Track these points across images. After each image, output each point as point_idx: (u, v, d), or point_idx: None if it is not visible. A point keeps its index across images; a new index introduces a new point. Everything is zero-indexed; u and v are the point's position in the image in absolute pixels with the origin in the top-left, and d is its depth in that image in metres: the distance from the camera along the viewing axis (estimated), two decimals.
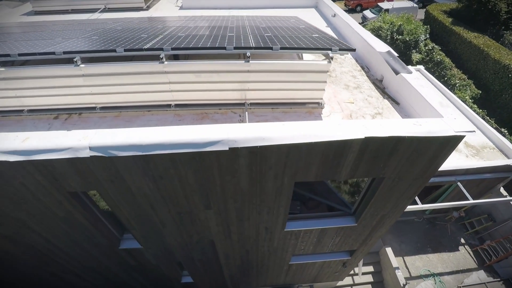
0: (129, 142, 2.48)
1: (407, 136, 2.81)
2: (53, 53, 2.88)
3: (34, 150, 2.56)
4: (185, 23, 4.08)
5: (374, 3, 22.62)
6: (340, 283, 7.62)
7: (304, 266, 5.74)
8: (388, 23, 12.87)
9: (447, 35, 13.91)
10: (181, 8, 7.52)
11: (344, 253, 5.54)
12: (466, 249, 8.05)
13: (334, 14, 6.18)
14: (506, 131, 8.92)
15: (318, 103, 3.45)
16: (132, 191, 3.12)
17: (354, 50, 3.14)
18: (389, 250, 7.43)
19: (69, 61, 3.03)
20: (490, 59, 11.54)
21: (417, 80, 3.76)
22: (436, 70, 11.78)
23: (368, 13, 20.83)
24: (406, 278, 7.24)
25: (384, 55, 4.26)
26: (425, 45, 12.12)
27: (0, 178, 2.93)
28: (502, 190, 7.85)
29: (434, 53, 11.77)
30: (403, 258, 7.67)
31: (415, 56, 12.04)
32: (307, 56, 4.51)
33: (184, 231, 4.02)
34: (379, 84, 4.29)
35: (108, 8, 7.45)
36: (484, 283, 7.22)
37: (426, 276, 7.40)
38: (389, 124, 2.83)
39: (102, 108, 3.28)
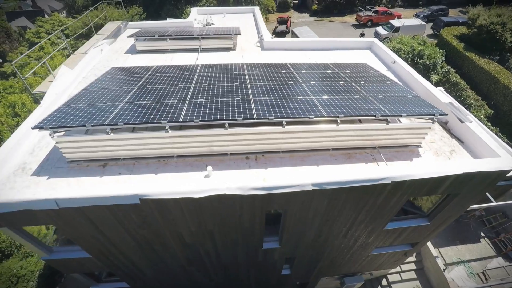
0: (335, 180, 4.16)
1: (483, 171, 4.60)
2: (267, 118, 4.52)
3: (273, 187, 4.15)
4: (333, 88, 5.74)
5: (385, 19, 24.69)
6: (391, 270, 9.51)
7: (377, 256, 7.54)
8: (407, 46, 14.85)
9: (461, 59, 16.09)
10: (263, 49, 9.13)
11: (408, 245, 7.38)
12: (486, 240, 10.09)
13: (394, 61, 7.95)
14: None
15: (418, 145, 5.23)
16: (309, 209, 4.78)
17: (446, 115, 4.93)
18: (428, 243, 9.36)
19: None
20: (500, 84, 13.70)
21: (478, 127, 5.56)
22: (452, 90, 13.86)
23: (380, 29, 22.87)
24: (443, 264, 9.19)
25: (449, 106, 6.05)
26: (442, 67, 14.17)
27: (234, 203, 4.42)
28: None
29: (450, 75, 13.82)
30: (439, 249, 9.63)
31: (434, 77, 14.09)
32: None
33: (318, 233, 5.71)
34: (445, 126, 6.08)
35: (202, 49, 8.97)
36: (503, 266, 9.26)
37: (458, 263, 9.39)
38: (473, 163, 4.62)
39: (284, 152, 4.96)
